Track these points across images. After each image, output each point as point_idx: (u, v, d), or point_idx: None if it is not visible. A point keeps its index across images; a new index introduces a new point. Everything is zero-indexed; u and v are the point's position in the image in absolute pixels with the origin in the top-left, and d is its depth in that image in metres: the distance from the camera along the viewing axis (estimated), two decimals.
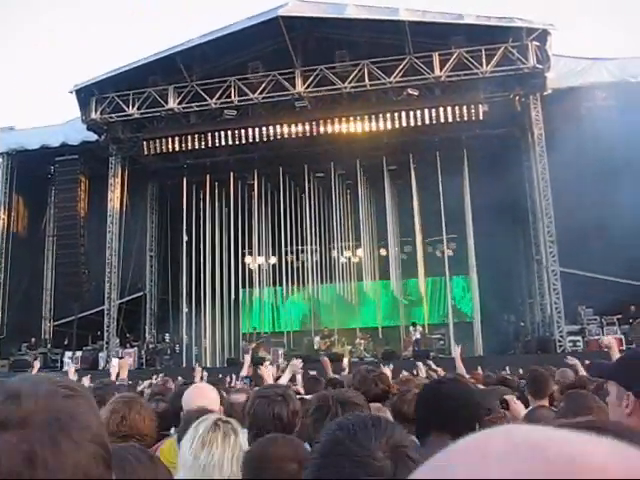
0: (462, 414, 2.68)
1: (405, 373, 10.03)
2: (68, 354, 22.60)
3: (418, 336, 21.29)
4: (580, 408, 3.29)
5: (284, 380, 6.94)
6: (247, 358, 9.84)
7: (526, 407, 4.79)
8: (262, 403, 3.36)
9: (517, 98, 21.58)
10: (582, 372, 7.59)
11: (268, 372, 7.12)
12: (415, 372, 10.61)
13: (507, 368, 12.46)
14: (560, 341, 19.36)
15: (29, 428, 0.79)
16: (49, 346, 24.58)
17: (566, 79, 20.64)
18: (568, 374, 7.83)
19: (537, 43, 19.80)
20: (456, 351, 7.96)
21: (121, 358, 19.81)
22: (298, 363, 7.43)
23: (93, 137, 23.51)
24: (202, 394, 3.73)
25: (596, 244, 18.03)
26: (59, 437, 0.79)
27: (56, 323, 25.66)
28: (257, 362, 11.05)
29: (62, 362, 22.78)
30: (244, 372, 8.89)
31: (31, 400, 0.82)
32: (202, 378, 9.52)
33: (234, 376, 10.05)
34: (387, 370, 8.95)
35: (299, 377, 8.20)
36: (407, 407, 4.45)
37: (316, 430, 2.73)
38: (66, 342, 23.71)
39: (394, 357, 19.48)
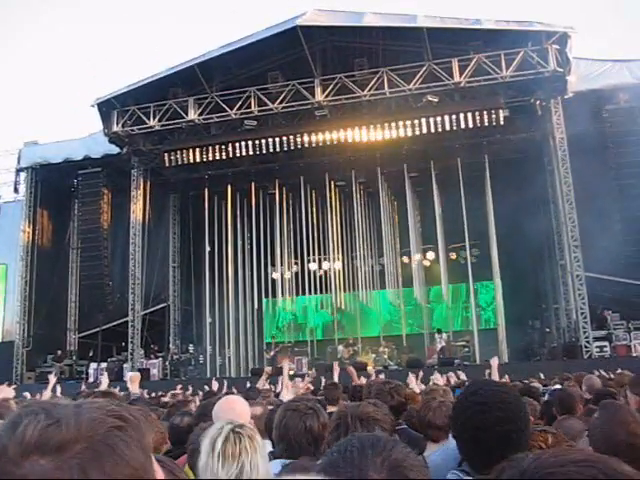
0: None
1: (431, 383, 10.00)
2: (93, 365, 22.76)
3: (443, 343, 21.16)
4: (615, 421, 3.20)
5: (285, 397, 6.95)
6: (267, 370, 9.87)
7: (551, 422, 4.70)
8: (294, 416, 3.39)
9: (538, 102, 21.45)
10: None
11: (291, 388, 7.14)
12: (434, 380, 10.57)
13: (541, 375, 12.31)
14: (587, 347, 19.14)
15: (67, 454, 0.77)
16: (74, 358, 24.78)
17: (587, 82, 20.49)
18: (594, 381, 7.73)
19: (557, 46, 19.67)
20: (493, 364, 7.79)
21: (142, 371, 19.97)
22: (300, 384, 7.46)
23: (115, 150, 23.71)
24: (230, 407, 3.69)
25: (620, 248, 17.83)
26: (89, 468, 0.78)
27: (81, 335, 25.85)
28: (277, 372, 11.05)
29: (87, 373, 22.97)
30: (261, 384, 8.90)
31: (71, 427, 0.80)
32: (221, 390, 9.53)
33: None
34: (412, 378, 8.93)
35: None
36: (432, 414, 4.43)
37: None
38: (91, 354, 23.85)
39: (419, 365, 19.35)
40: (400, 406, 5.39)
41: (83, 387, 14.43)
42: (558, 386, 8.07)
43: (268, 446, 3.23)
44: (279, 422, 3.43)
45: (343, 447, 1.13)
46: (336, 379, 8.39)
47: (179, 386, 13.58)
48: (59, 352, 24.36)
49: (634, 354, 18.21)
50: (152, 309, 24.52)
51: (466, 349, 21.96)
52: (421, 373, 11.00)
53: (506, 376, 10.58)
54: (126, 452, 0.83)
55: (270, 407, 4.97)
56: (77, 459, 0.77)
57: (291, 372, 8.82)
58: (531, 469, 0.87)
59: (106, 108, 22.56)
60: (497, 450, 2.18)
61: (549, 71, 19.81)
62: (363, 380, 8.77)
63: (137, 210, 23.82)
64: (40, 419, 0.80)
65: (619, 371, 7.74)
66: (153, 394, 11.78)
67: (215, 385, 7.79)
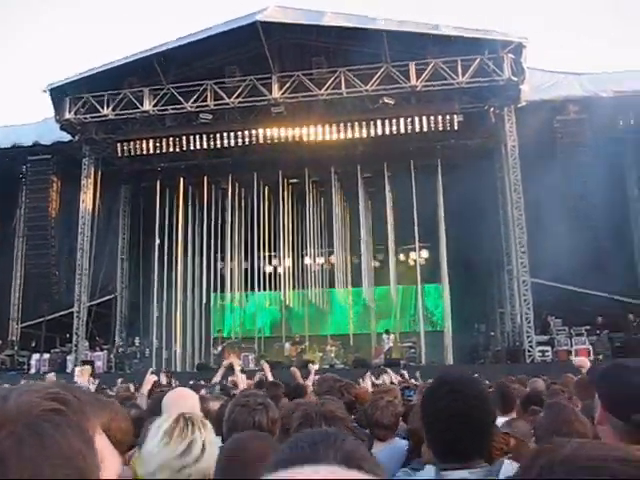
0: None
1: (387, 382, 10.12)
2: (36, 356, 22.32)
3: (390, 344, 21.34)
4: (560, 421, 3.31)
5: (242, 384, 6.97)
6: (222, 366, 9.82)
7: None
8: (242, 411, 3.33)
9: (492, 109, 21.80)
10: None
11: (243, 379, 7.12)
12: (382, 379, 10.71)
13: (487, 382, 12.46)
14: (530, 351, 19.54)
15: (3, 434, 0.76)
16: (16, 348, 24.25)
17: (540, 92, 20.92)
18: (538, 384, 7.94)
19: (512, 56, 20.04)
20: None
21: (86, 364, 19.65)
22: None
23: (66, 137, 23.29)
24: (182, 399, 3.68)
25: (566, 255, 18.23)
26: (8, 455, 0.75)
27: (24, 325, 25.32)
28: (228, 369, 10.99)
29: (29, 364, 22.51)
30: (216, 379, 8.85)
31: (17, 402, 0.80)
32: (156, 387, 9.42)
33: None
34: (367, 378, 9.02)
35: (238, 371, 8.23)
36: (380, 413, 4.50)
37: None
38: (34, 344, 23.37)
39: (365, 364, 19.48)
40: (350, 404, 5.44)
41: (22, 382, 14.06)
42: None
43: (218, 442, 3.20)
44: (228, 417, 3.38)
45: (293, 444, 1.15)
46: (270, 377, 8.40)
47: (119, 380, 13.34)
48: (0, 341, 23.83)
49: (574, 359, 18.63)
50: (98, 301, 24.13)
51: (412, 350, 22.19)
52: (368, 373, 11.08)
53: None
54: (56, 437, 0.80)
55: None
56: (10, 439, 0.76)
57: (238, 368, 8.78)
58: (573, 457, 0.85)
59: (59, 94, 22.13)
60: (470, 438, 2.25)
61: (504, 79, 20.16)
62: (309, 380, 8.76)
63: (87, 200, 23.40)
64: None
65: (568, 374, 7.96)
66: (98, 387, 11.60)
67: (148, 383, 7.68)
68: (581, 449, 0.86)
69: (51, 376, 9.19)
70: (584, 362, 6.85)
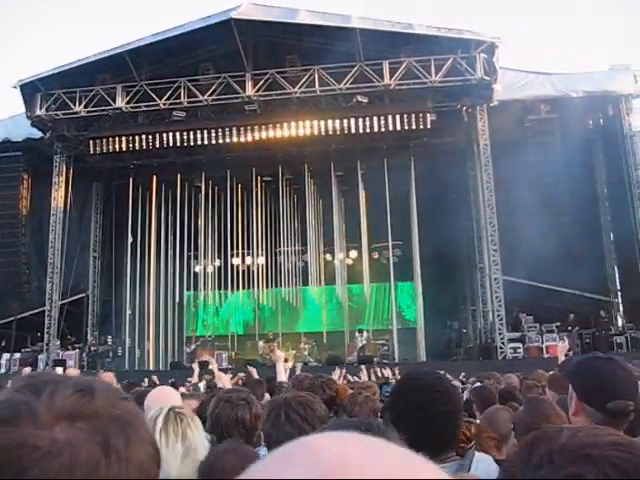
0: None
1: (364, 378, 10.18)
2: (6, 356, 22.04)
3: (363, 342, 21.42)
4: (538, 415, 3.38)
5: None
6: (195, 366, 9.84)
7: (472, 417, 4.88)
8: (225, 407, 3.36)
9: (464, 108, 21.96)
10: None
11: (226, 377, 7.14)
12: (359, 376, 10.74)
13: (462, 374, 12.57)
14: (501, 348, 19.72)
15: (101, 419, 0.77)
16: None
17: (512, 91, 21.10)
18: (513, 380, 8.05)
19: (485, 55, 20.20)
20: None
21: (58, 363, 19.47)
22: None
23: (37, 134, 23.01)
24: (166, 396, 3.71)
25: (537, 253, 18.45)
26: (129, 430, 0.78)
27: None
28: (201, 367, 10.99)
29: None
30: (195, 379, 8.86)
31: (103, 395, 0.80)
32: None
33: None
34: (337, 372, 9.07)
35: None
36: (359, 409, 4.54)
37: (274, 429, 2.74)
38: (4, 343, 23.09)
39: (338, 362, 19.53)
40: (331, 400, 5.48)
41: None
42: (478, 384, 8.33)
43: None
44: (211, 412, 3.41)
45: (333, 429, 1.17)
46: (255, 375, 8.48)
47: (102, 370, 13.29)
48: None
49: (545, 355, 18.85)
50: (70, 299, 23.86)
51: (385, 348, 22.30)
52: (344, 370, 11.13)
53: None
54: (141, 419, 0.84)
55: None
56: (114, 424, 0.78)
57: (215, 366, 8.80)
58: (570, 445, 0.86)
59: (30, 90, 21.85)
60: (437, 431, 2.33)
61: (476, 79, 20.32)
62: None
63: (58, 197, 23.19)
64: (67, 386, 0.79)
65: (539, 370, 8.08)
66: None
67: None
68: (575, 436, 0.88)
69: (26, 370, 9.08)
70: (564, 349, 6.99)
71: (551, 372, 6.39)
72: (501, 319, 20.11)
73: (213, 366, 8.29)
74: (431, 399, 2.35)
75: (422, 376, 2.53)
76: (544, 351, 19.30)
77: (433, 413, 2.32)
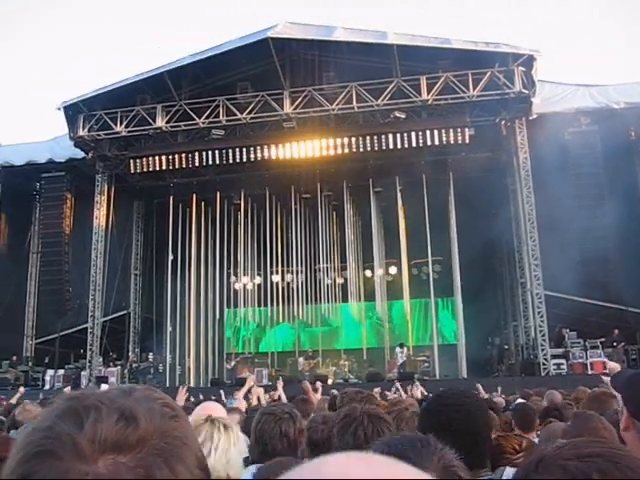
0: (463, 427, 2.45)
1: (391, 395, 10.08)
2: (50, 372, 22.39)
3: (404, 358, 21.26)
4: (586, 429, 3.32)
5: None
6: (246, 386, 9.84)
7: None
8: (269, 420, 3.37)
9: (503, 122, 21.80)
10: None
11: (261, 393, 7.14)
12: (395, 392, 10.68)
13: (499, 389, 12.44)
14: (544, 364, 19.41)
15: (145, 451, 0.75)
16: (30, 364, 24.31)
17: (551, 104, 20.90)
18: (555, 396, 7.90)
19: (523, 68, 20.06)
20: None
21: (101, 379, 19.66)
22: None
23: (80, 154, 23.47)
24: (210, 412, 3.72)
25: (578, 267, 18.17)
26: (173, 461, 0.76)
27: (38, 341, 25.44)
28: (238, 383, 10.99)
29: (44, 380, 22.56)
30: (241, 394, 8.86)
31: (147, 422, 0.78)
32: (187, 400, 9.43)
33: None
34: (376, 391, 9.01)
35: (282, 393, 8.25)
36: (405, 425, 4.48)
37: (340, 439, 2.74)
38: (47, 360, 23.44)
39: (378, 379, 19.44)
40: None
41: (41, 396, 14.10)
42: (521, 400, 8.20)
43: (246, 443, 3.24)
44: (255, 426, 3.42)
45: (391, 443, 1.14)
46: (283, 396, 8.34)
47: None
48: (14, 358, 23.88)
49: (590, 372, 18.51)
50: (112, 316, 24.21)
51: (426, 364, 22.09)
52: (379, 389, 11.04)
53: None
54: (191, 441, 0.82)
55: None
56: (158, 454, 0.76)
57: (252, 383, 8.74)
58: (549, 456, 0.88)
59: (73, 112, 22.34)
60: (469, 450, 2.27)
61: (515, 92, 20.18)
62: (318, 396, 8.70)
63: (100, 216, 23.56)
64: (109, 413, 0.77)
65: (582, 387, 7.92)
66: None
67: (182, 394, 7.58)
68: (561, 448, 0.91)
69: (67, 390, 9.21)
70: (615, 367, 6.83)
71: (592, 390, 6.27)
72: (543, 335, 19.81)
73: (250, 383, 8.28)
74: (453, 419, 2.38)
75: (449, 395, 2.57)
76: (588, 367, 18.95)
77: (460, 433, 2.31)
